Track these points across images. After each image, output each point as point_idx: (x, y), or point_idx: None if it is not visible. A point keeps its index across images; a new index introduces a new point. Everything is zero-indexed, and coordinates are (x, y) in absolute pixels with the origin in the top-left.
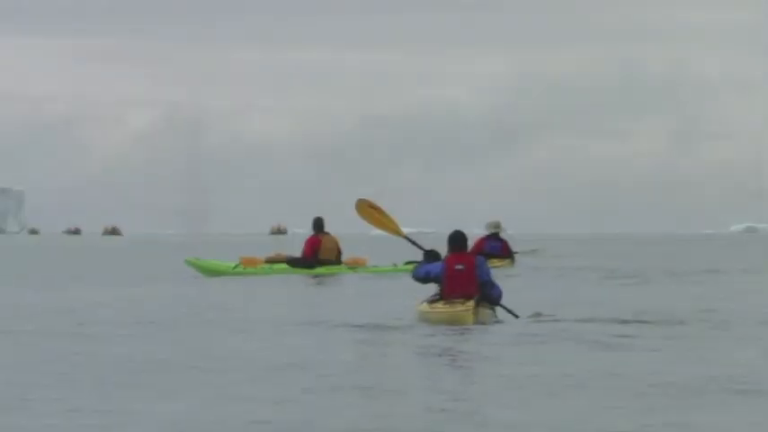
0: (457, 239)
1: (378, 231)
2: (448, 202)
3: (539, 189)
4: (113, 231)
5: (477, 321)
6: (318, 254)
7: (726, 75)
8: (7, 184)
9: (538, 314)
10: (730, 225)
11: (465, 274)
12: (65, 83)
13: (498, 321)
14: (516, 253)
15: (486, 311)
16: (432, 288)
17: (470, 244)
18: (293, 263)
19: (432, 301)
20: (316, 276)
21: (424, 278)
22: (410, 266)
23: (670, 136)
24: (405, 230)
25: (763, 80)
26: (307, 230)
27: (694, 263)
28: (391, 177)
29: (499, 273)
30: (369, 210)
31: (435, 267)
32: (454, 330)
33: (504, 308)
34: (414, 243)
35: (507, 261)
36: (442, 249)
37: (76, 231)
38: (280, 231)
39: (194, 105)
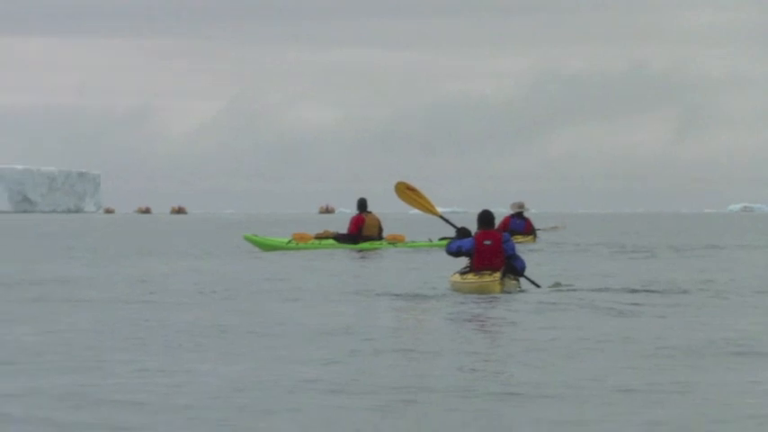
0: (485, 218)
1: (415, 211)
2: (477, 184)
3: (556, 173)
4: (180, 210)
5: (504, 291)
6: (362, 231)
7: (725, 71)
8: (85, 168)
9: (557, 284)
10: (728, 205)
11: (492, 248)
12: (137, 78)
13: (522, 291)
14: (539, 230)
15: (511, 282)
16: (463, 261)
17: (497, 222)
18: (340, 239)
19: (463, 273)
20: (360, 251)
21: (456, 252)
22: (444, 242)
23: (674, 126)
24: (439, 210)
25: (761, 76)
26: (352, 210)
27: (696, 239)
28: (426, 162)
29: (523, 248)
30: (407, 191)
31: (466, 243)
32: (483, 299)
33: (528, 279)
34: (447, 221)
35: (530, 237)
36: (472, 227)
37: (147, 211)
38: (328, 211)
39: (251, 99)
